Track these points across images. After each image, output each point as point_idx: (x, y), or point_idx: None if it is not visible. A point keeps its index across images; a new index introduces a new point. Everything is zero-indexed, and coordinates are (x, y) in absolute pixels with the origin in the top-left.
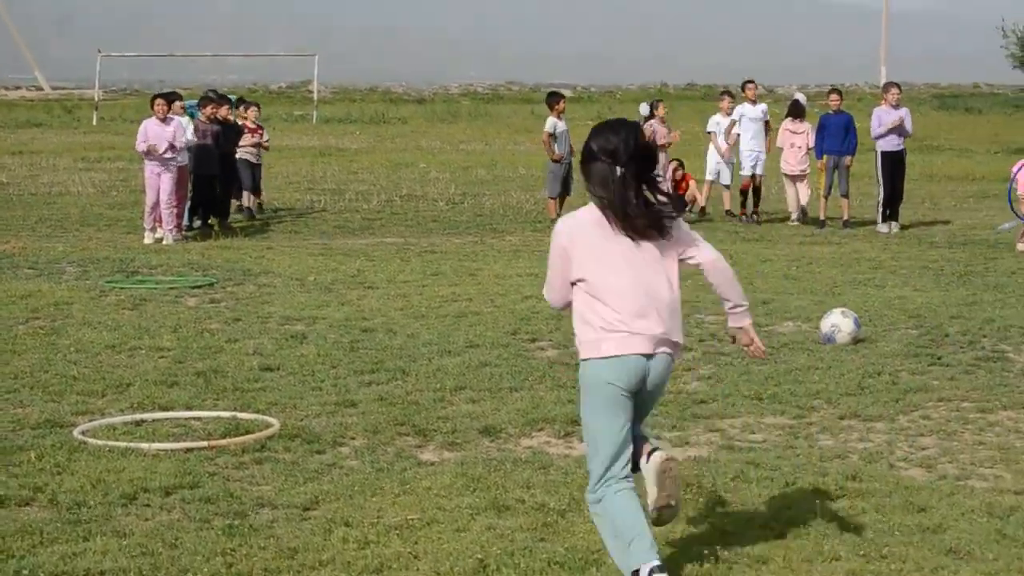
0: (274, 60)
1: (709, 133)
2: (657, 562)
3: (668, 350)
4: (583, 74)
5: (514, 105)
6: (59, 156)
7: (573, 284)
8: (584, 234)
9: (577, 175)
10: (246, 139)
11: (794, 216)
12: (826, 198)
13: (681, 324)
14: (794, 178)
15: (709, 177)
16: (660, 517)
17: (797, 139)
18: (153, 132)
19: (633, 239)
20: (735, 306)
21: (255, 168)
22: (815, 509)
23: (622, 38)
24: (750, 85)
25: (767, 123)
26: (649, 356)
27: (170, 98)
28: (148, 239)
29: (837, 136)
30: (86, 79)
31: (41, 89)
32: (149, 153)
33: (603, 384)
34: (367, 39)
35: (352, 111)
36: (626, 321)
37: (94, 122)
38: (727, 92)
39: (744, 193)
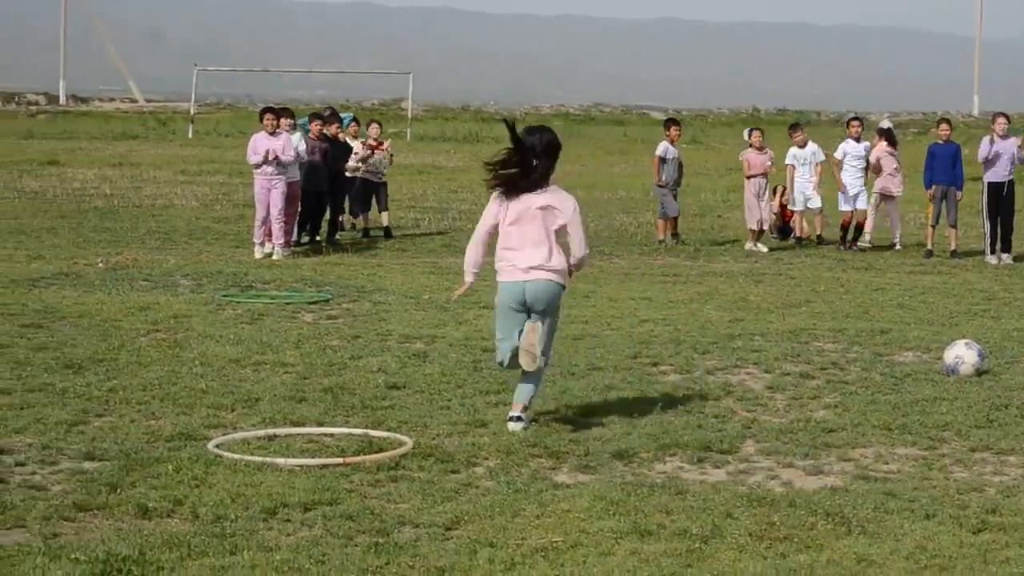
0: (361, 78)
1: (789, 166)
2: (516, 413)
3: (545, 276)
4: (670, 97)
5: (606, 126)
6: (159, 168)
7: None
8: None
9: (686, 199)
10: (361, 154)
11: (896, 239)
12: (933, 228)
13: (561, 260)
14: (886, 198)
15: (797, 208)
16: (522, 358)
17: (894, 162)
18: (262, 145)
19: (532, 205)
20: (577, 260)
21: (378, 188)
22: (959, 542)
23: (708, 62)
24: (854, 122)
25: (890, 142)
26: (526, 282)
27: (280, 113)
28: (258, 253)
29: (946, 166)
30: (175, 92)
31: (135, 101)
32: (264, 163)
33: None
34: (455, 58)
35: (445, 129)
36: (519, 258)
37: (189, 135)
38: (856, 118)
39: (845, 228)
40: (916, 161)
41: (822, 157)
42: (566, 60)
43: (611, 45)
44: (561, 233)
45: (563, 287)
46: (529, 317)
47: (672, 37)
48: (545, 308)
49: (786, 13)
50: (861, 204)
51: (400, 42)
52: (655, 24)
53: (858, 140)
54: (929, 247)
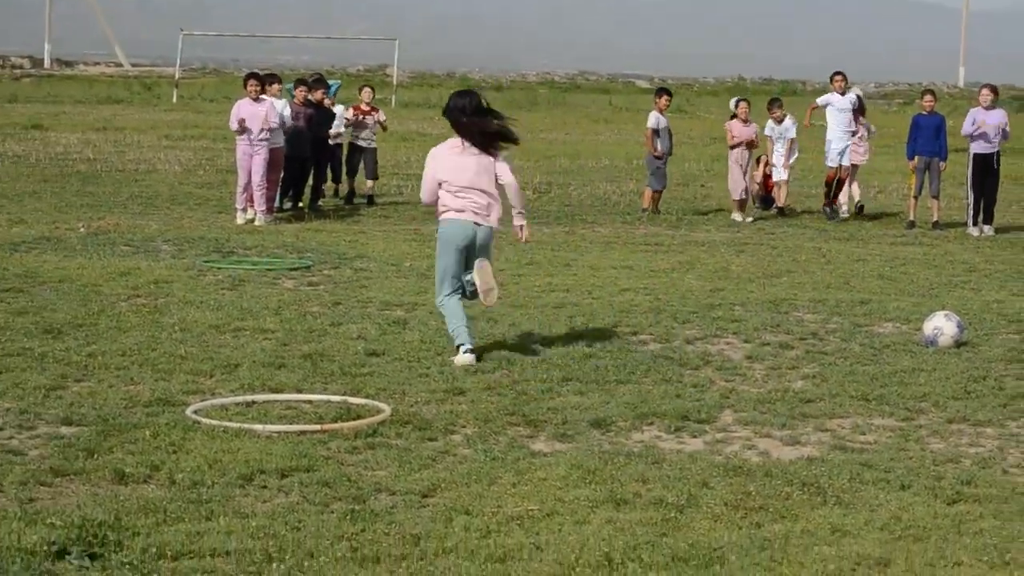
0: (348, 43)
1: (768, 137)
2: (469, 345)
3: (489, 224)
4: (656, 66)
5: (592, 95)
6: (143, 133)
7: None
8: (443, 156)
9: (671, 168)
10: (350, 119)
11: (844, 210)
12: (916, 199)
13: (499, 208)
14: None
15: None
16: (486, 297)
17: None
18: (246, 111)
19: (475, 155)
20: (519, 212)
21: (366, 153)
22: (933, 513)
23: (696, 33)
24: (838, 76)
25: (858, 112)
26: (477, 225)
27: (264, 79)
28: (240, 219)
29: (929, 137)
30: (160, 56)
31: (120, 65)
32: (241, 131)
33: (448, 239)
34: (442, 25)
35: (431, 96)
36: (466, 205)
37: (174, 100)
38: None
39: (829, 184)
40: (902, 132)
41: (793, 134)
42: (553, 27)
43: (598, 13)
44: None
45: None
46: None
47: (661, 6)
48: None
49: None
50: (847, 160)
51: (388, 7)
52: None
53: (843, 94)
54: (911, 218)
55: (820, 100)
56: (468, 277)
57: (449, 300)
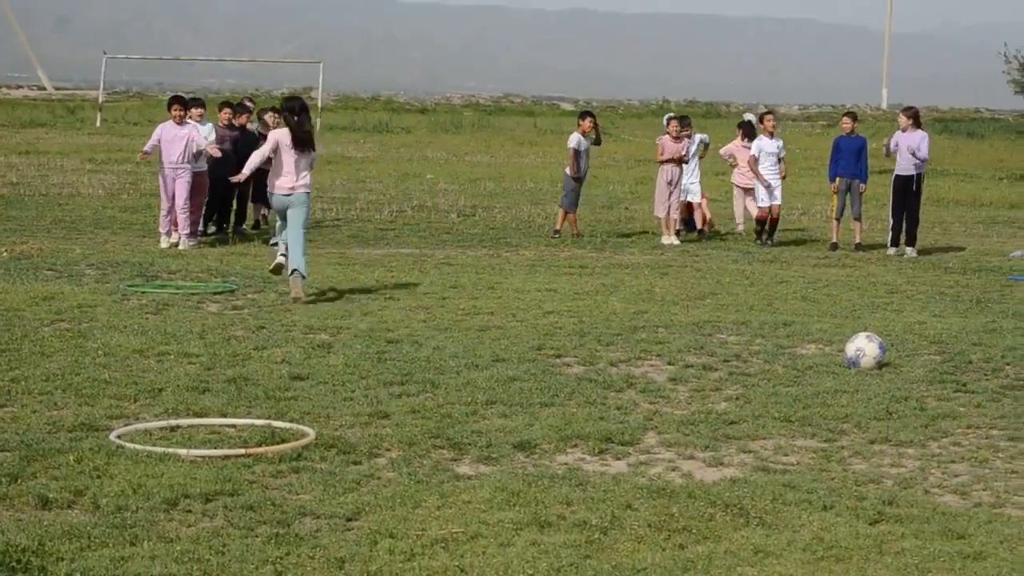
0: (274, 66)
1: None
2: (296, 268)
3: (302, 192)
4: (582, 88)
5: (516, 117)
6: (66, 157)
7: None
8: (280, 141)
9: (592, 189)
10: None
11: (740, 227)
12: (837, 220)
13: (309, 183)
14: (746, 191)
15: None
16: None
17: (747, 155)
18: (168, 135)
19: (297, 149)
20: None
21: None
22: (855, 533)
23: (621, 54)
24: (768, 117)
25: (781, 157)
26: (288, 195)
27: (187, 103)
28: (164, 243)
29: (850, 159)
30: (84, 79)
31: (44, 88)
32: (147, 154)
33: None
34: (366, 47)
35: (356, 119)
36: (289, 181)
37: (98, 123)
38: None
39: (761, 223)
40: (824, 154)
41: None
42: (479, 50)
43: (525, 35)
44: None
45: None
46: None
47: (585, 28)
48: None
49: (699, 5)
50: (776, 199)
51: (313, 30)
52: (568, 15)
53: (771, 135)
54: (834, 240)
55: (753, 150)
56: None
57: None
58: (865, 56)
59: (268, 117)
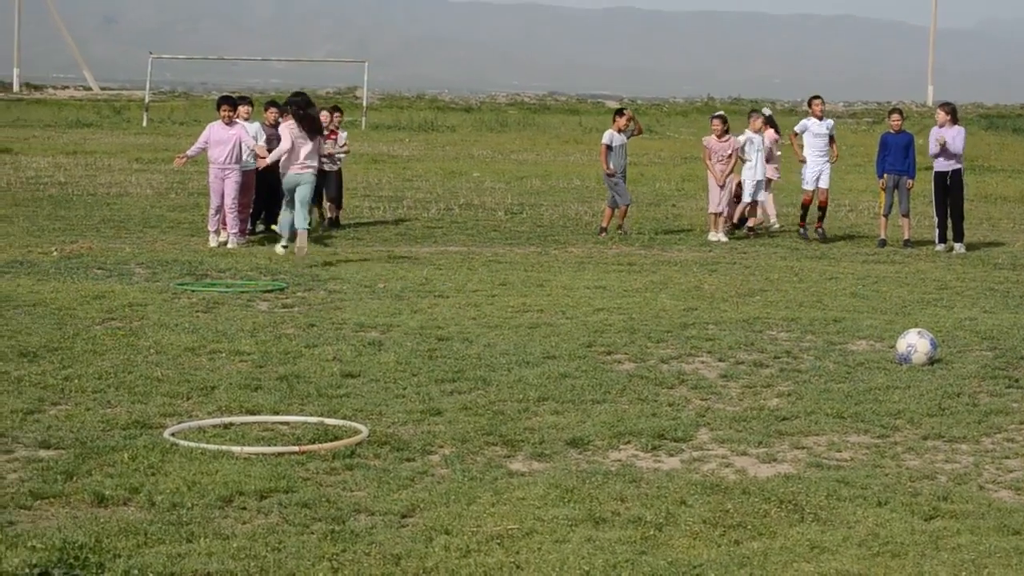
0: (318, 65)
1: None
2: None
3: (310, 172)
4: (626, 86)
5: (561, 115)
6: (113, 157)
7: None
8: (292, 132)
9: (641, 187)
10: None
11: (776, 224)
12: (885, 217)
13: (316, 162)
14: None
15: (748, 199)
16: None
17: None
18: (216, 136)
19: (308, 136)
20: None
21: (327, 176)
22: (910, 529)
23: (665, 51)
24: (816, 100)
25: (831, 137)
26: (300, 173)
27: (236, 103)
28: (212, 242)
29: (898, 155)
30: (130, 80)
31: (90, 89)
32: (189, 158)
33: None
34: (409, 46)
35: (400, 118)
36: (300, 164)
37: (144, 123)
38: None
39: (805, 207)
40: (870, 150)
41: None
42: (523, 48)
43: (569, 33)
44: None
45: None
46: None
47: (630, 26)
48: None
49: (742, 3)
50: (824, 183)
51: (358, 29)
52: (613, 12)
53: (820, 118)
54: (883, 236)
55: (798, 128)
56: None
57: (286, 213)
58: (909, 52)
59: (269, 114)
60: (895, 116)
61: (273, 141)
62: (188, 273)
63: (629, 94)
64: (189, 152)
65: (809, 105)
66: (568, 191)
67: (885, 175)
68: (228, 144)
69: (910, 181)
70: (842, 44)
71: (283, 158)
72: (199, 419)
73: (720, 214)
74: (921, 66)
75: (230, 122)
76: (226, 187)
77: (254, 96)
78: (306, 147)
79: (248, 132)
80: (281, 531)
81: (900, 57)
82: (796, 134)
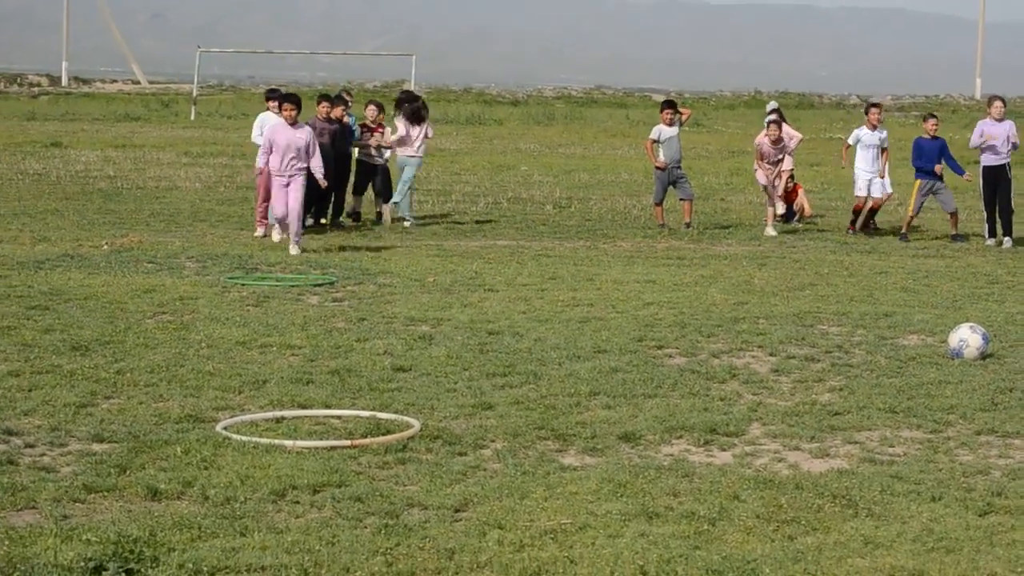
0: (364, 59)
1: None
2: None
3: (416, 157)
4: (673, 79)
5: (608, 109)
6: (162, 150)
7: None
8: (403, 123)
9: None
10: (365, 139)
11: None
12: (913, 217)
13: (422, 151)
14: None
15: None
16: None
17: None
18: (284, 137)
19: (413, 125)
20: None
21: (375, 170)
22: (965, 524)
23: (712, 44)
24: (874, 109)
25: (884, 149)
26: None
27: (294, 99)
28: (259, 232)
29: (933, 160)
30: (177, 74)
31: (138, 83)
32: (261, 171)
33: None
34: (457, 40)
35: (448, 111)
36: (410, 149)
37: (192, 117)
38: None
39: (856, 212)
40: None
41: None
42: (570, 41)
43: (615, 26)
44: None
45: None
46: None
47: (676, 19)
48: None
49: None
50: (876, 192)
51: (405, 23)
52: (659, 5)
53: (874, 128)
54: (904, 231)
55: (851, 139)
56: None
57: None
58: (957, 45)
59: (321, 107)
60: (931, 122)
61: (324, 135)
62: (238, 267)
63: (676, 87)
64: (260, 164)
65: (866, 113)
66: (616, 185)
67: (919, 180)
68: (292, 149)
69: (967, 176)
70: (890, 37)
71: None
72: (251, 413)
73: (771, 211)
74: (969, 59)
75: (295, 123)
76: (291, 193)
77: (301, 90)
78: (413, 134)
79: (312, 134)
80: (334, 525)
81: (948, 50)
82: (848, 146)
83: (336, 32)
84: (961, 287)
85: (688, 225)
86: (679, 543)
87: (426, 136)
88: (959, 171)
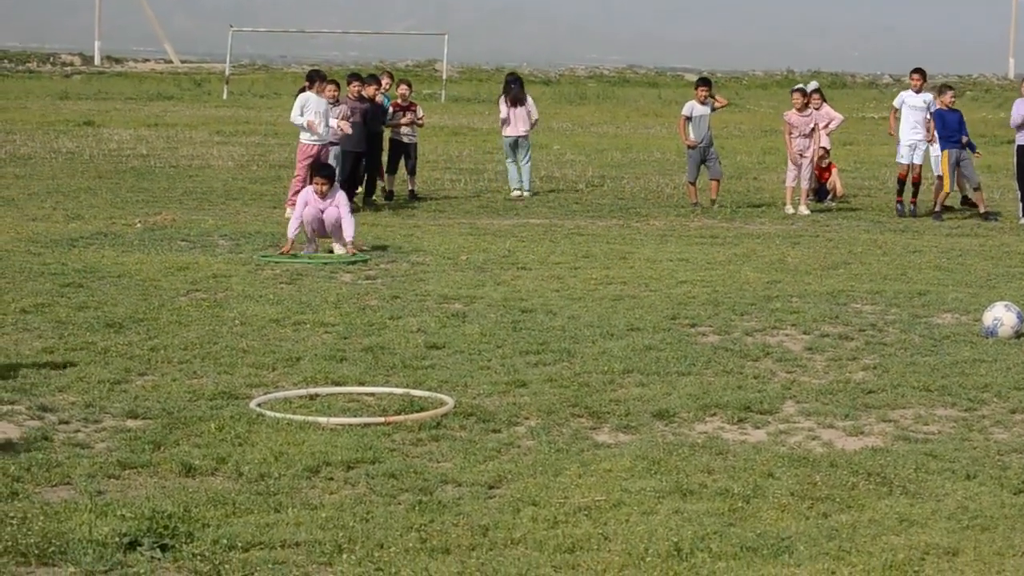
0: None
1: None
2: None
3: (524, 136)
4: (703, 59)
5: (641, 88)
6: (194, 129)
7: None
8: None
9: (724, 160)
10: (397, 118)
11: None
12: (948, 193)
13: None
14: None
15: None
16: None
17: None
18: (311, 212)
19: (513, 107)
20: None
21: (407, 148)
22: (1000, 502)
23: (743, 24)
24: (915, 74)
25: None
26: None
27: (324, 173)
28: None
29: (955, 130)
30: (209, 53)
31: (170, 62)
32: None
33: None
34: (488, 19)
35: (480, 91)
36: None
37: (224, 96)
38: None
39: (901, 182)
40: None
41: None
42: (601, 21)
43: (646, 5)
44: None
45: None
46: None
47: None
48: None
49: None
50: (918, 159)
51: (436, 2)
52: None
53: (918, 91)
54: (938, 209)
55: (896, 102)
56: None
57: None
58: (990, 25)
59: (352, 87)
60: (950, 93)
61: (356, 114)
62: (271, 245)
63: (708, 67)
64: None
65: (909, 77)
66: (649, 163)
67: (946, 151)
68: (318, 220)
69: (978, 153)
70: (923, 15)
71: (503, 125)
72: (285, 390)
73: (805, 188)
74: (1003, 39)
75: (323, 196)
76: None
77: (332, 69)
78: (515, 115)
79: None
80: (368, 501)
81: (981, 30)
82: (896, 109)
83: (364, 12)
84: (995, 266)
85: (714, 203)
86: (713, 520)
87: (529, 115)
88: (971, 147)
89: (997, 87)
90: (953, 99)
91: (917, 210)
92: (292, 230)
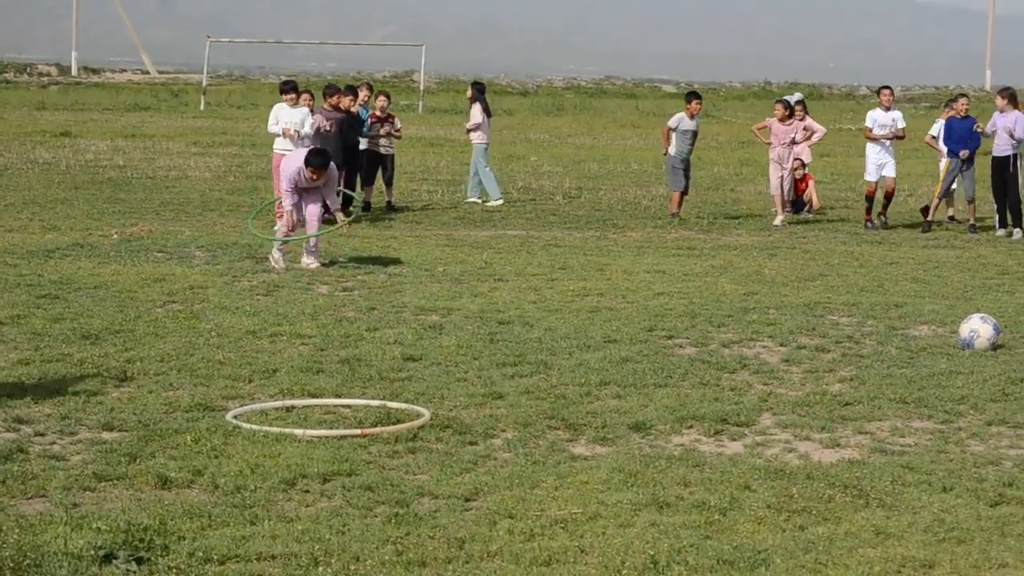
0: (373, 49)
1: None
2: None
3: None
4: (681, 70)
5: (618, 99)
6: (171, 140)
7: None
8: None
9: (697, 172)
10: (375, 130)
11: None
12: (940, 200)
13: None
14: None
15: (871, 178)
16: None
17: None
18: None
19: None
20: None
21: (384, 160)
22: (976, 515)
23: (721, 35)
24: (885, 91)
25: (901, 130)
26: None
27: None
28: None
29: (963, 140)
30: (186, 63)
31: (147, 72)
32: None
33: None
34: (466, 31)
35: (457, 102)
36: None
37: (201, 107)
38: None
39: (869, 199)
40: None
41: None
42: (578, 32)
43: (623, 17)
44: None
45: None
46: None
47: (684, 9)
48: None
49: None
50: (889, 172)
51: (411, 13)
52: None
53: (887, 110)
54: (929, 218)
55: (867, 122)
56: None
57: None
58: (966, 37)
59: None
60: (963, 100)
61: (332, 124)
62: (248, 256)
63: (685, 78)
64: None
65: (878, 95)
66: (626, 175)
67: (949, 160)
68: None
69: (965, 152)
70: (900, 28)
71: (478, 133)
72: (261, 402)
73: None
74: (979, 51)
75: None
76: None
77: (309, 80)
78: (487, 122)
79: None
80: (345, 514)
81: (958, 42)
82: (870, 129)
83: (342, 22)
84: (972, 278)
85: (674, 215)
86: (690, 533)
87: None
88: (972, 148)
89: (974, 98)
90: (966, 107)
91: (888, 221)
92: (288, 203)
